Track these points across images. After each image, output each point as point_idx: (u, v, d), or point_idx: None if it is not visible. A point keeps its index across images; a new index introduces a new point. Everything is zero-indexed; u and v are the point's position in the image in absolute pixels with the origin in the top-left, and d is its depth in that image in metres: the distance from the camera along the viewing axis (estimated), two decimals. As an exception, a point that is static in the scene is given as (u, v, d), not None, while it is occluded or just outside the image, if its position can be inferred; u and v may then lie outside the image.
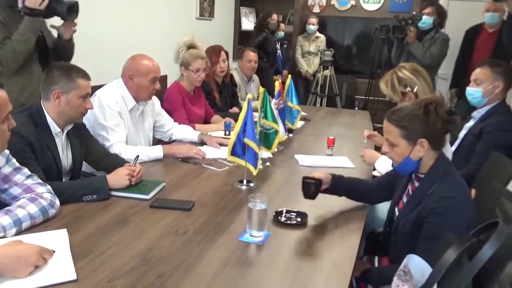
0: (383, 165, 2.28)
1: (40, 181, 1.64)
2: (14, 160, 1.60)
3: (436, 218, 1.53)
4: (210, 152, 2.56)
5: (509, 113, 2.66)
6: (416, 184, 1.70)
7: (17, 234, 1.45)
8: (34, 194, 1.57)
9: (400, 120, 1.60)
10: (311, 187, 1.74)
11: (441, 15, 4.28)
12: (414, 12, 4.94)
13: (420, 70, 2.28)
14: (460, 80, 4.39)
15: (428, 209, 1.55)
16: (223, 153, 2.33)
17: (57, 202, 1.63)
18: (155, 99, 2.73)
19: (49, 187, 1.64)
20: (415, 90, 2.20)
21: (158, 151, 2.44)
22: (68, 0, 2.37)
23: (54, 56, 2.52)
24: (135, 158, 2.06)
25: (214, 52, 3.52)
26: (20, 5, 2.25)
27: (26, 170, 1.62)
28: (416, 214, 1.60)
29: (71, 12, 2.40)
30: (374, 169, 2.37)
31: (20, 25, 2.25)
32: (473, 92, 2.58)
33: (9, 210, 1.48)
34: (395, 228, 1.71)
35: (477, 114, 2.63)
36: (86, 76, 1.93)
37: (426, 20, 4.18)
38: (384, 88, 2.31)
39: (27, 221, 1.49)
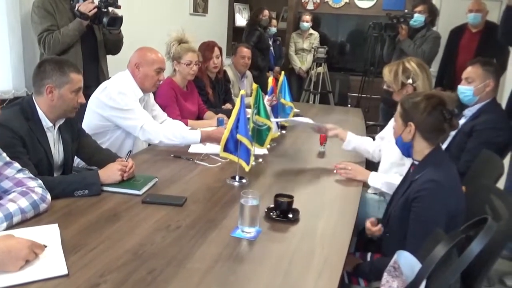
0: (376, 180, 2.19)
1: (31, 175, 1.63)
2: (4, 154, 1.59)
3: (420, 201, 1.59)
4: (203, 148, 2.56)
5: (500, 111, 2.69)
6: (411, 171, 1.79)
7: (7, 228, 1.44)
8: (25, 188, 1.57)
9: (405, 102, 1.74)
10: (283, 205, 1.72)
11: (432, 13, 4.30)
12: (406, 10, 4.96)
13: (426, 67, 2.27)
14: (444, 79, 4.44)
15: (413, 192, 1.62)
16: (216, 149, 2.33)
17: (48, 196, 1.62)
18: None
19: (40, 181, 1.64)
20: (415, 84, 2.20)
21: (195, 136, 2.43)
22: (113, 14, 2.92)
23: (104, 46, 3.11)
24: (128, 154, 2.05)
25: (208, 48, 3.51)
26: (75, 7, 2.80)
27: (17, 164, 1.61)
28: (404, 199, 1.67)
29: (112, 25, 2.92)
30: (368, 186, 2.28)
31: (71, 23, 2.81)
32: (464, 90, 2.60)
33: (0, 205, 1.47)
34: (389, 216, 1.75)
35: (468, 113, 2.65)
36: (78, 70, 1.92)
37: (418, 18, 4.20)
38: (387, 74, 2.29)
39: (18, 216, 1.48)
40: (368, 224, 1.88)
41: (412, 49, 4.16)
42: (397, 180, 2.08)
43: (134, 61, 2.52)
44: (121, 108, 2.40)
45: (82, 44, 2.92)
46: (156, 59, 2.53)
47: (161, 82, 2.62)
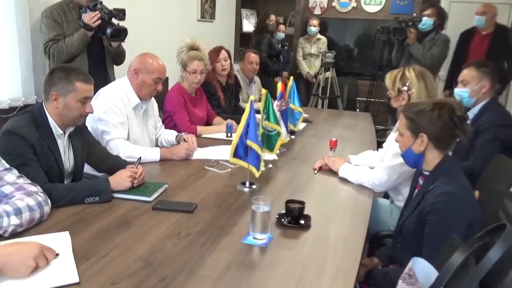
0: (347, 171, 2.26)
1: (30, 181, 1.62)
2: (3, 161, 1.58)
3: (436, 214, 1.56)
4: (213, 154, 2.55)
5: (501, 109, 2.72)
6: (421, 182, 1.75)
7: (18, 225, 1.45)
8: (29, 190, 1.57)
9: (410, 112, 1.71)
10: (295, 211, 1.70)
11: (441, 17, 4.28)
12: (414, 14, 4.94)
13: (426, 76, 2.21)
14: (453, 82, 4.43)
15: (428, 205, 1.59)
16: (226, 155, 2.32)
17: (49, 201, 1.62)
18: (153, 100, 2.72)
19: (39, 187, 1.63)
20: (410, 92, 2.18)
21: (155, 154, 2.43)
22: (118, 26, 2.91)
23: (110, 56, 3.11)
24: (138, 160, 2.05)
25: (214, 51, 3.49)
26: (81, 18, 2.82)
27: (15, 171, 1.60)
28: (419, 211, 1.64)
29: (116, 36, 2.91)
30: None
31: (76, 33, 2.81)
32: (460, 93, 2.63)
33: (8, 201, 1.48)
34: (401, 227, 1.73)
35: (470, 115, 2.66)
36: (86, 79, 1.89)
37: (426, 22, 4.18)
38: (387, 79, 2.30)
39: (26, 212, 1.48)
40: (366, 261, 1.85)
41: (421, 52, 4.14)
42: (364, 171, 2.18)
43: (134, 66, 2.46)
44: (100, 118, 2.35)
45: (89, 53, 2.92)
46: (157, 67, 2.46)
47: (158, 91, 2.53)
